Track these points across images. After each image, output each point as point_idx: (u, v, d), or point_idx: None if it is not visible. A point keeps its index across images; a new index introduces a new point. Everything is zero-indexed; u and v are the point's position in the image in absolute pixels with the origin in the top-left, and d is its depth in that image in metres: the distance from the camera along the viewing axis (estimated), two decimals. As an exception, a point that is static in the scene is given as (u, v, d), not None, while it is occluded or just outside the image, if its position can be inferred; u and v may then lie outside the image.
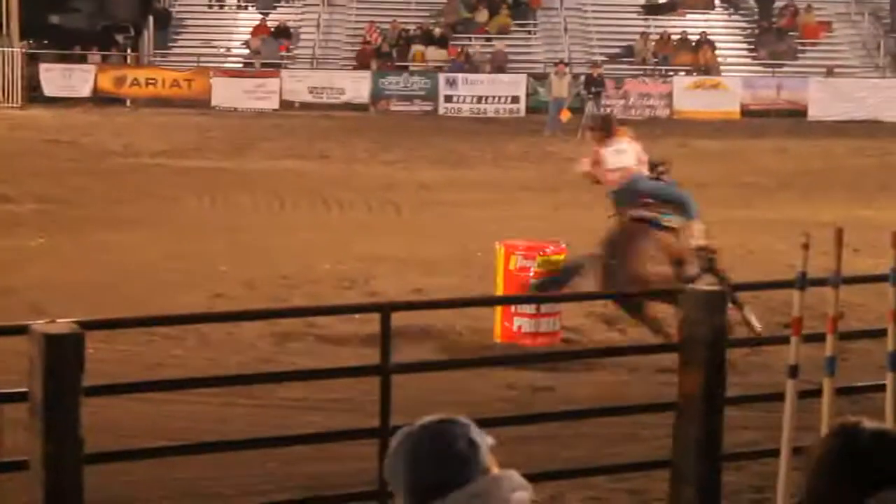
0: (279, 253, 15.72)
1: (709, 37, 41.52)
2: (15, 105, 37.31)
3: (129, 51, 42.63)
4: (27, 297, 12.78)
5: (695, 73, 40.12)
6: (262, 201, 20.40)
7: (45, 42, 46.04)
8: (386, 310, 7.09)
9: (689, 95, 38.52)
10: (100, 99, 38.20)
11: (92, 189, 21.32)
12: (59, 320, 6.37)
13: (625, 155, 12.37)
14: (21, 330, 6.25)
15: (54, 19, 60.72)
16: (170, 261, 15.07)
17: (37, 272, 14.29)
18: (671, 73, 40.00)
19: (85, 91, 38.46)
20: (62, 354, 6.07)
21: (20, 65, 38.49)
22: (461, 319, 12.10)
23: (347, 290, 13.79)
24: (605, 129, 12.73)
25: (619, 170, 12.24)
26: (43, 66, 39.51)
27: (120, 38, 46.71)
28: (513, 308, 11.79)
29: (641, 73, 40.20)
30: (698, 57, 40.82)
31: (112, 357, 10.06)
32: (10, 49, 38.93)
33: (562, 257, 12.06)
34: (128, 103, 38.33)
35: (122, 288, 13.42)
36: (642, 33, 41.91)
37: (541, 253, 11.95)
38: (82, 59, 41.15)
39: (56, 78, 38.93)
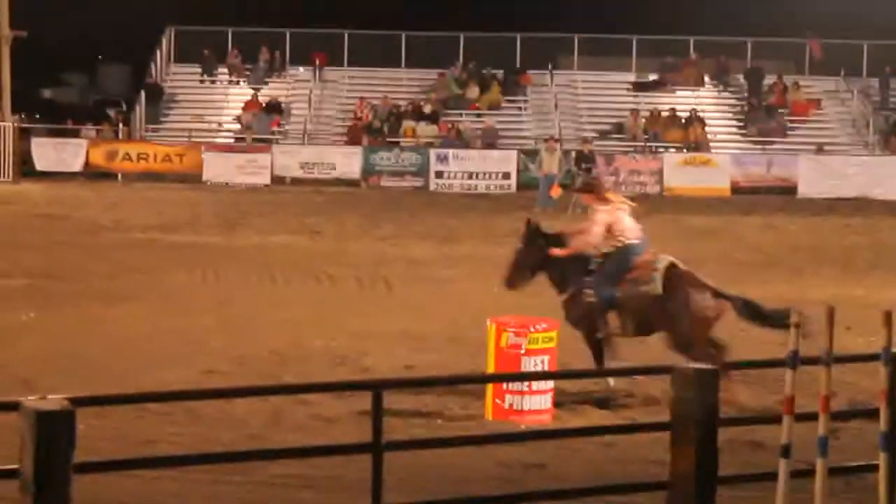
0: (270, 328, 15.70)
1: (698, 114, 41.79)
2: (6, 179, 37.38)
3: (120, 125, 42.80)
4: (18, 371, 12.74)
5: (685, 150, 40.32)
6: (254, 276, 20.41)
7: (37, 116, 46.27)
8: (378, 387, 7.09)
9: (680, 172, 38.69)
10: (91, 173, 38.31)
11: (83, 264, 21.32)
12: (50, 396, 6.35)
13: (626, 213, 13.01)
14: (12, 406, 6.23)
15: (46, 93, 61.05)
16: (160, 336, 15.05)
17: (28, 347, 14.26)
18: (661, 150, 40.21)
19: (77, 165, 38.57)
20: (53, 431, 6.06)
21: (12, 139, 38.59)
22: (452, 396, 12.08)
23: (339, 366, 13.76)
24: (601, 189, 13.35)
25: (635, 227, 12.93)
26: (35, 141, 39.64)
27: (112, 112, 46.91)
28: (504, 385, 11.77)
29: (632, 149, 40.40)
30: (688, 134, 41.06)
31: (103, 434, 10.02)
32: (2, 123, 39.04)
33: (553, 334, 12.05)
34: (119, 178, 38.43)
35: (113, 363, 13.39)
36: (632, 110, 42.16)
37: (532, 329, 11.94)
38: (74, 134, 41.27)
39: (48, 152, 39.05)
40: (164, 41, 44.73)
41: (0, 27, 40.40)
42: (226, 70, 44.62)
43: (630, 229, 12.90)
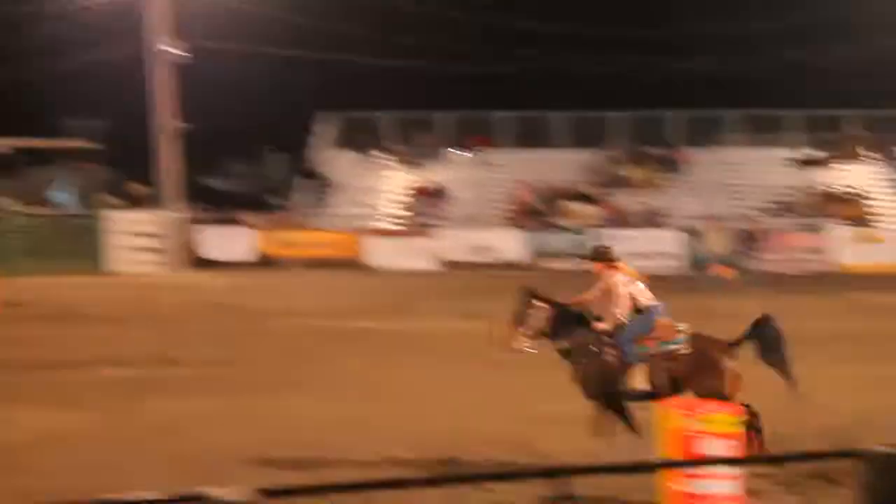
0: (443, 414, 15.71)
1: (862, 189, 41.10)
2: (177, 269, 38.13)
3: (285, 213, 43.49)
4: (199, 461, 12.91)
5: (853, 226, 39.64)
6: (424, 362, 20.45)
7: (205, 205, 47.22)
8: (561, 473, 7.01)
9: (849, 248, 38.03)
10: (258, 261, 38.90)
11: (256, 352, 21.60)
12: (236, 486, 6.20)
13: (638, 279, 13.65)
14: (196, 497, 6.12)
15: (212, 183, 62.33)
16: (334, 423, 15.13)
17: (206, 436, 14.45)
18: (827, 226, 39.58)
19: (244, 253, 39.22)
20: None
21: (181, 229, 39.45)
22: (630, 480, 11.92)
23: (515, 451, 13.69)
24: (612, 257, 13.83)
25: (649, 293, 13.55)
26: (203, 230, 40.44)
27: (276, 200, 47.69)
28: (684, 470, 11.56)
29: (798, 226, 39.82)
30: (855, 209, 40.38)
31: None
32: (172, 213, 39.92)
33: (737, 419, 11.81)
34: (286, 265, 38.93)
35: (291, 452, 13.50)
36: (797, 186, 41.62)
37: (704, 411, 11.73)
38: (241, 222, 42.00)
39: (216, 241, 39.79)
40: (324, 128, 45.42)
41: (164, 120, 41.42)
42: (386, 155, 45.11)
43: (645, 294, 13.45)
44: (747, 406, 12.46)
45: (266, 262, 38.91)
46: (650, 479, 11.73)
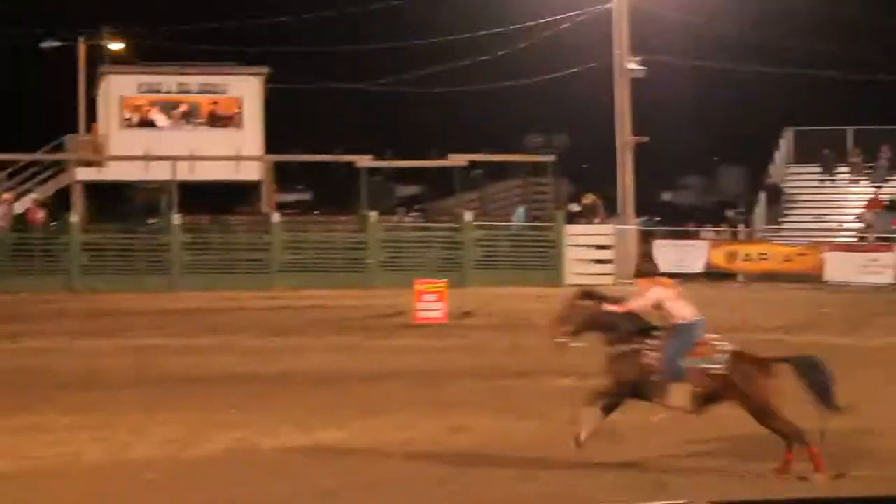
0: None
1: None
2: (629, 280, 38.23)
3: (740, 226, 42.97)
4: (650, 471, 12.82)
5: None
6: (882, 378, 19.63)
7: (658, 218, 47.27)
8: None
9: None
10: (712, 274, 38.56)
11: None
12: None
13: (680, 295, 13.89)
14: None
15: (666, 196, 62.33)
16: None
17: (657, 445, 14.30)
18: None
19: (697, 266, 38.96)
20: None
21: (635, 241, 39.62)
22: None
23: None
24: (655, 272, 14.26)
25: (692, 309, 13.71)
26: (656, 243, 40.47)
27: (731, 213, 47.22)
28: None
29: None
30: None
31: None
32: (626, 226, 40.15)
33: None
34: (739, 278, 38.44)
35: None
36: None
37: None
38: (694, 235, 41.82)
39: (669, 253, 39.69)
40: (783, 142, 44.64)
41: (623, 134, 41.73)
42: (846, 168, 43.87)
43: (687, 309, 13.56)
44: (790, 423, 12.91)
45: (720, 276, 38.50)
46: None
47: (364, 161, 41.39)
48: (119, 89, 42.00)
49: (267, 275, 37.08)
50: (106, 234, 38.33)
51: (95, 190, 41.99)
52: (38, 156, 41.51)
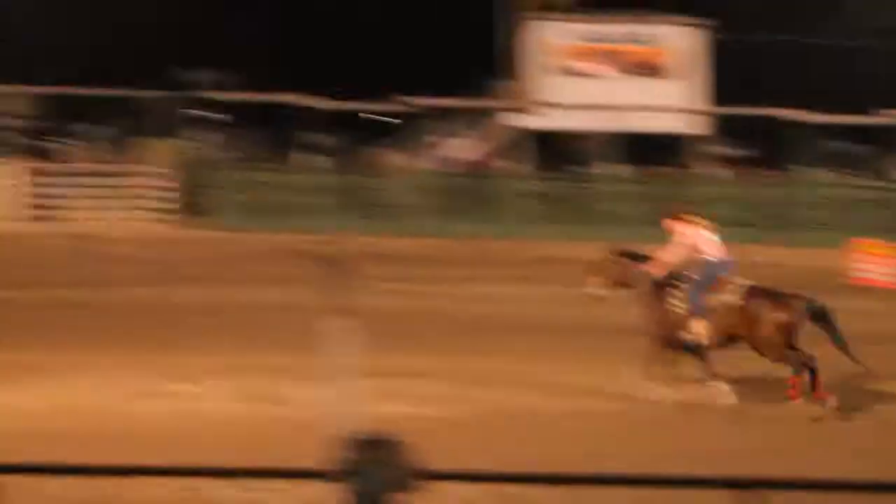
0: None
1: None
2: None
3: None
4: None
5: None
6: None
7: None
8: None
9: None
10: None
11: None
12: None
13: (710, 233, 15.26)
14: None
15: None
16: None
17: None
18: None
19: None
20: None
21: None
22: None
23: None
24: (681, 212, 15.46)
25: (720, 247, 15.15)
26: None
27: None
28: None
29: None
30: None
31: None
32: None
33: None
34: None
35: None
36: None
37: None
38: None
39: None
40: None
41: None
42: None
43: (713, 247, 14.86)
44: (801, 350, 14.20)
45: None
46: None
47: (796, 115, 40.63)
48: (554, 37, 42.63)
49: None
50: (542, 182, 39.10)
51: (531, 137, 42.82)
52: (472, 102, 42.66)
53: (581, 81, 42.29)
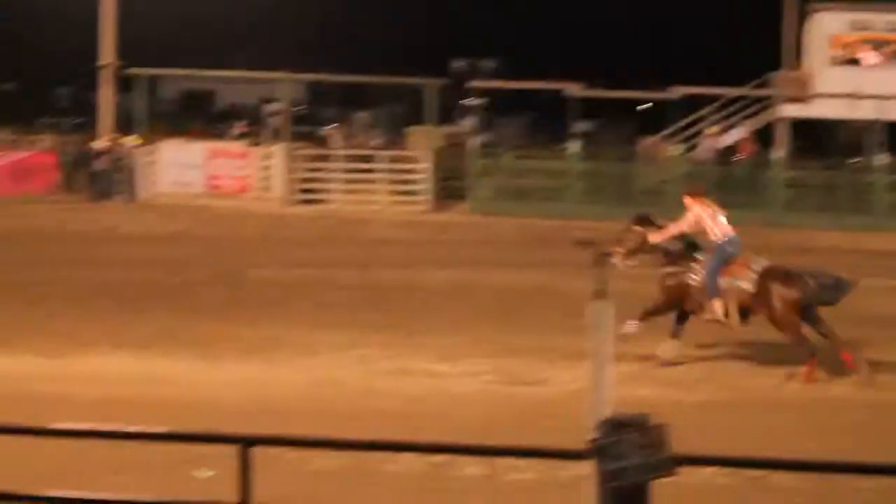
0: None
1: None
2: None
3: None
4: None
5: None
6: None
7: None
8: None
9: None
10: None
11: None
12: None
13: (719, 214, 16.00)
14: None
15: None
16: None
17: None
18: None
19: None
20: None
21: None
22: None
23: None
24: (699, 191, 16.30)
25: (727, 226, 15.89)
26: None
27: None
28: None
29: None
30: None
31: None
32: None
33: None
34: None
35: None
36: None
37: None
38: None
39: None
40: None
41: None
42: None
43: (721, 226, 15.60)
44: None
45: None
46: None
47: None
48: (828, 27, 41.74)
49: None
50: (809, 171, 38.48)
51: (801, 126, 42.13)
52: (745, 91, 42.09)
53: (853, 70, 41.34)
